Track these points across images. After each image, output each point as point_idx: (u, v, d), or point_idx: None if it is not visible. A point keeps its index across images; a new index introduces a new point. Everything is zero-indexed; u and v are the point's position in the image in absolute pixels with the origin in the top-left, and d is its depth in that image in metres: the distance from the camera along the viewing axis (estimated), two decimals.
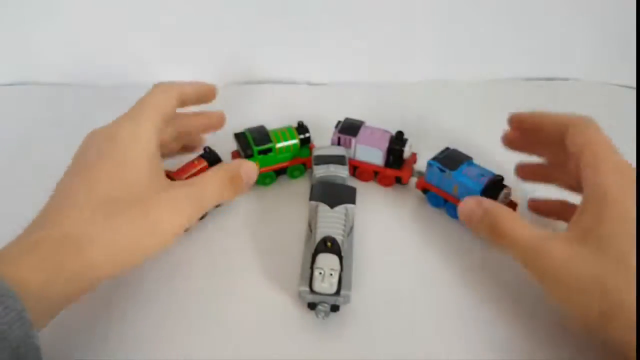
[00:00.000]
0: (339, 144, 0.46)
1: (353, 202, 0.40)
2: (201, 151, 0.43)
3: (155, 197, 0.33)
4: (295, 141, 0.44)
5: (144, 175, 0.33)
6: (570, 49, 0.60)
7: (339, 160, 0.43)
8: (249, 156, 0.43)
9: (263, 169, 0.44)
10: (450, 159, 0.42)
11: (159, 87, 0.38)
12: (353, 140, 0.45)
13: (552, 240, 0.32)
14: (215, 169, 0.37)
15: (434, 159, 0.43)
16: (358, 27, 0.56)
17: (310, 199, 0.40)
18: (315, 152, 0.44)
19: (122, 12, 0.55)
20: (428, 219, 0.44)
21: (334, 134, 0.46)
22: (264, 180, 0.45)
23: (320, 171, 0.42)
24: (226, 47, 0.57)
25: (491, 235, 0.35)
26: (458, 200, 0.40)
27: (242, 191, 0.37)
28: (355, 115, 0.48)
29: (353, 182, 0.45)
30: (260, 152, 0.43)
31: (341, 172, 0.42)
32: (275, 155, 0.44)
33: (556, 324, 0.35)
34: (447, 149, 0.44)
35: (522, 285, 0.38)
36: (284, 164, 0.45)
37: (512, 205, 0.42)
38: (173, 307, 0.37)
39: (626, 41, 0.54)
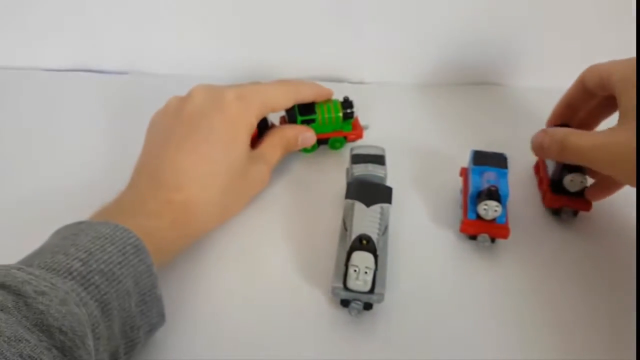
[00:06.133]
0: None
1: (389, 201, 0.39)
2: None
3: (250, 168, 0.41)
4: (338, 114, 0.47)
5: (245, 152, 0.41)
6: (570, 49, 0.57)
7: (377, 159, 0.43)
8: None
9: None
10: None
11: (285, 84, 0.45)
12: None
13: (613, 133, 0.36)
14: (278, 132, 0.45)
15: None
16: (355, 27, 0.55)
17: (347, 197, 0.40)
18: (354, 151, 0.44)
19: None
20: None
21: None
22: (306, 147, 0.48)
23: (358, 169, 0.42)
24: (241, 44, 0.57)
25: (563, 152, 0.38)
26: None
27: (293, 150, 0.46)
28: None
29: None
30: (304, 122, 0.46)
31: (379, 172, 0.42)
32: (318, 126, 0.47)
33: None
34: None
35: (564, 285, 0.37)
36: (326, 135, 0.48)
37: None
38: (205, 302, 0.37)
39: (625, 41, 0.52)
